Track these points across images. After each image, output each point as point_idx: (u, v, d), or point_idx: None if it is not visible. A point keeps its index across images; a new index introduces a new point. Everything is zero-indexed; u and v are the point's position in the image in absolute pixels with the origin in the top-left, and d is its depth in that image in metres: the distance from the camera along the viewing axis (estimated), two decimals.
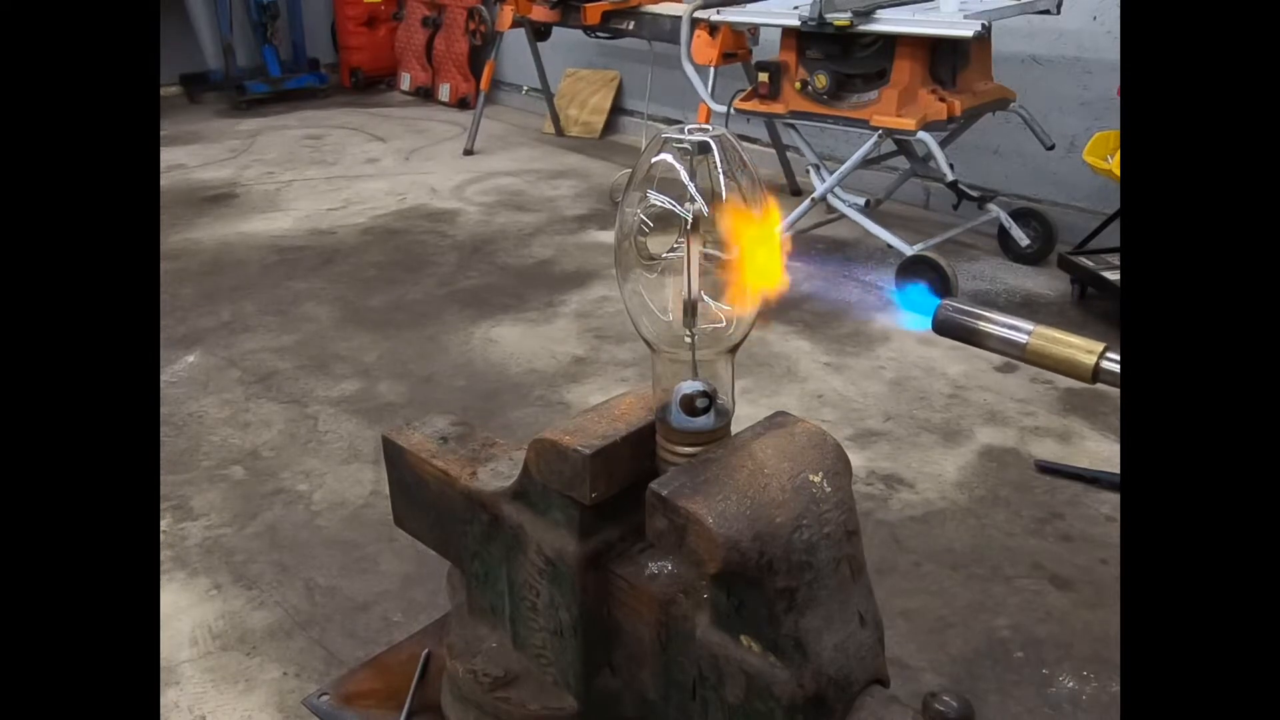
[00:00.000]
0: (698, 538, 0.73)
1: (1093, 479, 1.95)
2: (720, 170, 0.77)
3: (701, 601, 0.83)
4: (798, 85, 2.86)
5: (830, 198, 3.00)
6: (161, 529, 1.86)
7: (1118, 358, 0.68)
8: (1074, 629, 1.58)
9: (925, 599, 1.65)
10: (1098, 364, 0.68)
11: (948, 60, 2.78)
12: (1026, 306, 2.86)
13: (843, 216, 3.06)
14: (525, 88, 5.38)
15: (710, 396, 0.83)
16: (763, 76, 2.91)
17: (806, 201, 3.04)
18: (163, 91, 5.60)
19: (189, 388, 2.41)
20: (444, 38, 5.57)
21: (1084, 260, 2.77)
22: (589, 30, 3.88)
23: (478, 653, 0.99)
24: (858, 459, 2.05)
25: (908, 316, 0.76)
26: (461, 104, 5.42)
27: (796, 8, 2.78)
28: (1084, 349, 0.69)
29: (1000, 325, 0.73)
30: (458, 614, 1.05)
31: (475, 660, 0.98)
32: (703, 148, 0.78)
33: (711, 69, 3.25)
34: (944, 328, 0.74)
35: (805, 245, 3.24)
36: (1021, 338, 0.72)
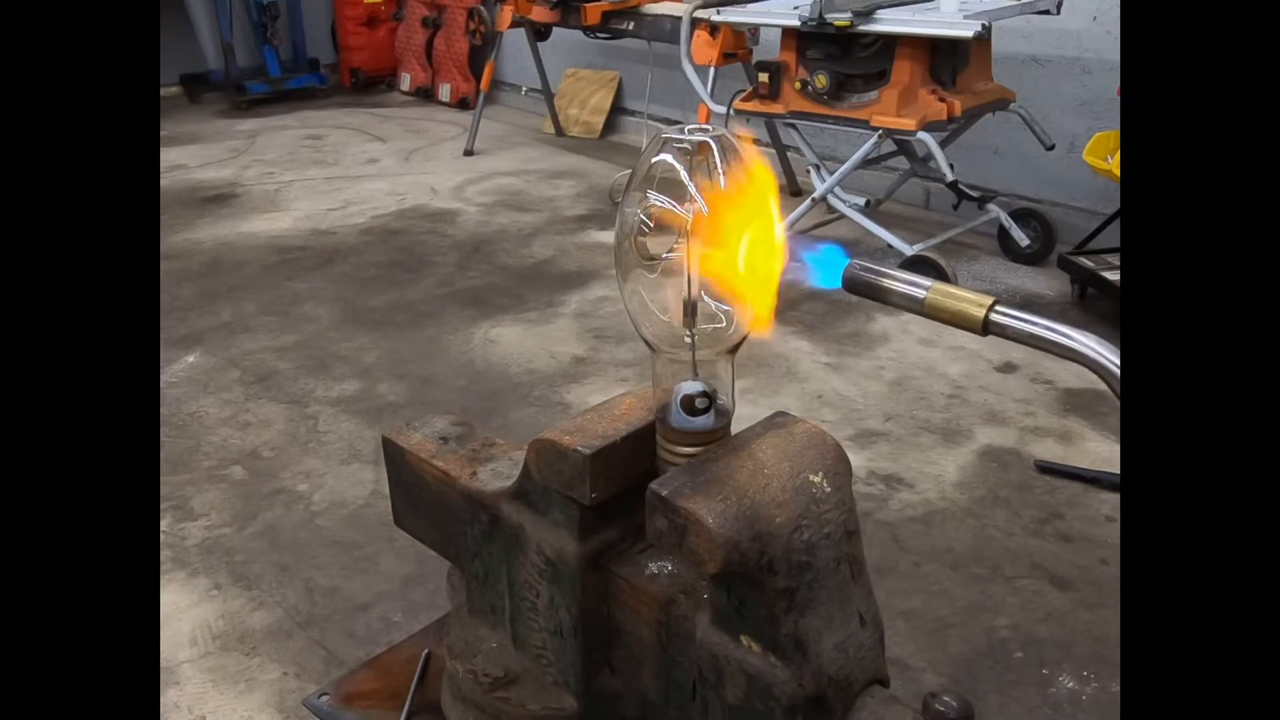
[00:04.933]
0: (698, 538, 0.73)
1: (1093, 479, 1.95)
2: (720, 170, 0.77)
3: (701, 601, 0.83)
4: (798, 85, 2.86)
5: (830, 198, 3.00)
6: (161, 529, 1.86)
7: (1006, 310, 0.72)
8: (1074, 629, 1.58)
9: (925, 599, 1.65)
10: (987, 316, 0.72)
11: (948, 60, 2.78)
12: (1027, 307, 2.86)
13: (843, 217, 3.06)
14: (525, 88, 5.38)
15: (710, 396, 0.83)
16: (763, 76, 2.91)
17: (807, 201, 3.04)
18: (163, 91, 5.60)
19: (189, 388, 2.41)
20: (444, 38, 5.57)
21: (1084, 260, 2.77)
22: (589, 30, 3.88)
23: (478, 653, 0.99)
24: (858, 459, 2.05)
25: (819, 275, 0.78)
26: (461, 104, 5.42)
27: (796, 8, 2.78)
28: (975, 303, 0.73)
29: (902, 282, 0.77)
30: (458, 614, 1.05)
31: (475, 660, 0.98)
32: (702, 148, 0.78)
33: (711, 69, 3.25)
34: (852, 285, 0.79)
35: (805, 246, 3.24)
36: (920, 293, 0.76)
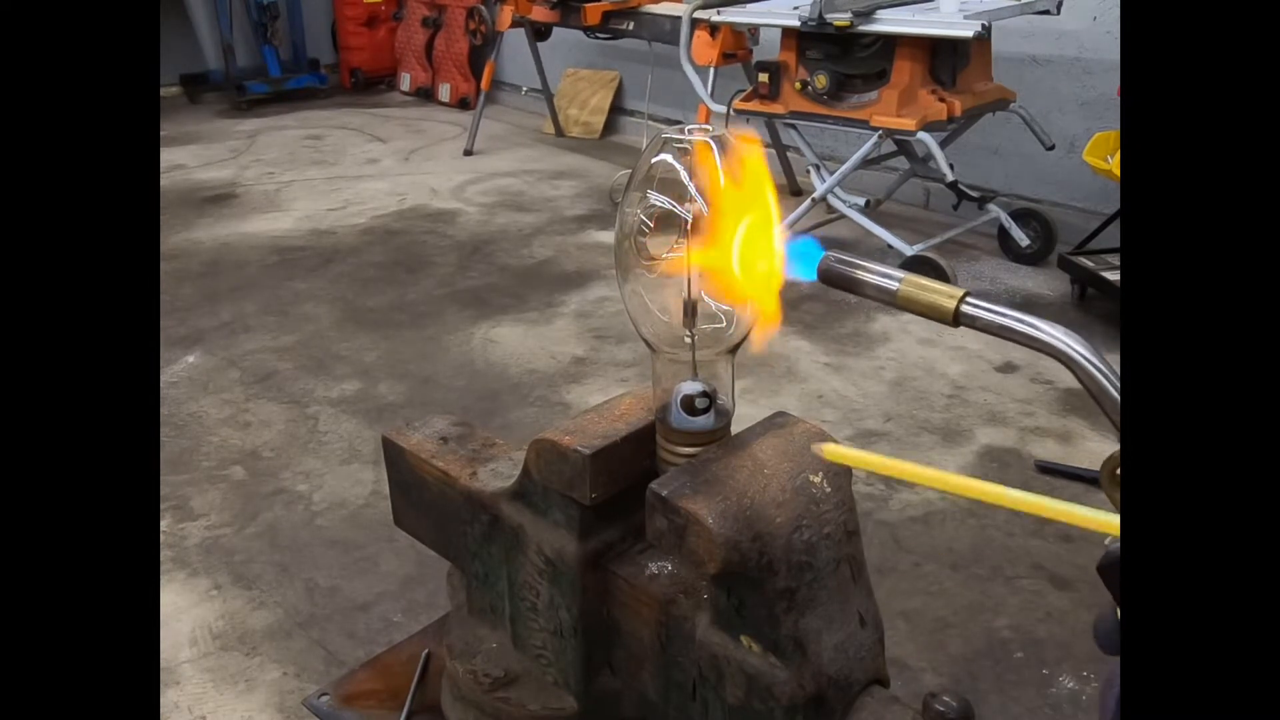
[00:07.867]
0: (698, 538, 0.73)
1: (1093, 479, 1.95)
2: (719, 170, 0.77)
3: (701, 601, 0.83)
4: (798, 85, 2.86)
5: (830, 198, 3.00)
6: (161, 529, 1.86)
7: (977, 301, 0.73)
8: (1074, 629, 1.58)
9: (925, 599, 1.65)
10: (958, 307, 0.73)
11: (948, 60, 2.78)
12: (1027, 307, 2.86)
13: (843, 217, 3.06)
14: (525, 88, 5.38)
15: (710, 396, 0.83)
16: (763, 77, 2.91)
17: (807, 202, 3.04)
18: (163, 91, 5.60)
19: (189, 388, 2.41)
20: (444, 38, 5.57)
21: (1084, 260, 2.77)
22: (589, 30, 3.88)
23: (478, 653, 0.99)
24: None
25: (795, 267, 0.79)
26: (461, 104, 5.42)
27: (796, 8, 2.78)
28: (946, 294, 0.74)
29: (875, 274, 0.78)
30: (458, 614, 1.05)
31: (475, 660, 0.98)
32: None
33: (711, 69, 3.25)
34: (827, 277, 0.80)
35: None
36: (893, 285, 0.77)
